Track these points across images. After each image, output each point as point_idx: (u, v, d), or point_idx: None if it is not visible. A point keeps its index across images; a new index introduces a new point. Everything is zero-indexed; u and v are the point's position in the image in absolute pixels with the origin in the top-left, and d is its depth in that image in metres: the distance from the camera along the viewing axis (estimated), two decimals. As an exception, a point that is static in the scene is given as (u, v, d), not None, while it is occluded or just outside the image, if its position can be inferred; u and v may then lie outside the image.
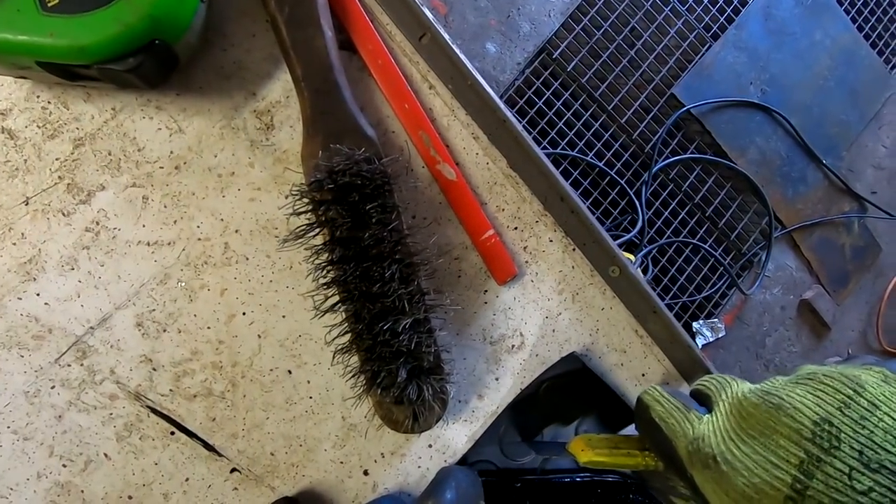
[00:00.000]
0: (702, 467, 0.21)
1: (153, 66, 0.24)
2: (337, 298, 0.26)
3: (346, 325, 0.26)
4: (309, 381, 0.30)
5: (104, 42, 0.22)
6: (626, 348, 0.34)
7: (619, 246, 1.57)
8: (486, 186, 0.32)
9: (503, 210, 0.32)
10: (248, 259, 0.29)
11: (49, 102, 0.27)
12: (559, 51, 1.46)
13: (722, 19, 1.59)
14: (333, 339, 0.26)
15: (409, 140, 0.30)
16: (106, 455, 0.28)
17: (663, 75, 1.52)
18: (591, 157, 1.45)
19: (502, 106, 0.31)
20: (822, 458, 0.18)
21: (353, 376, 0.26)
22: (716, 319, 1.58)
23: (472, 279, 0.32)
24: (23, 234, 0.27)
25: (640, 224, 1.47)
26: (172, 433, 0.29)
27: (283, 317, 0.30)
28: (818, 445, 0.19)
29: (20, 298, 0.27)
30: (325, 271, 0.26)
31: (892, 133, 1.80)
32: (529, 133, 1.37)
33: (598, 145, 1.47)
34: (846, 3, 1.72)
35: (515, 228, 0.32)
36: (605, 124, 1.48)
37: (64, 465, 0.27)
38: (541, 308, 0.33)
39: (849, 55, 1.70)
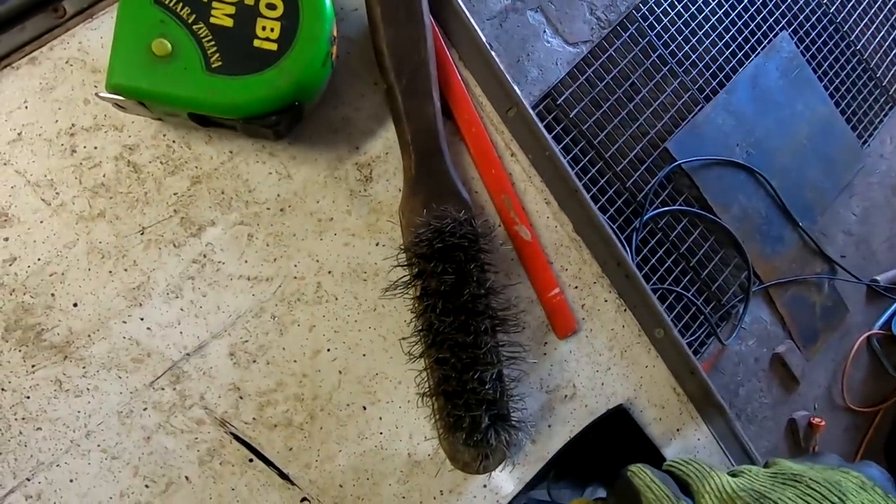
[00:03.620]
0: None
1: (288, 123, 0.27)
2: (429, 345, 0.28)
3: (434, 370, 0.29)
4: (381, 418, 0.32)
5: (256, 102, 0.25)
6: (665, 404, 0.37)
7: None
8: (553, 247, 0.35)
9: (566, 270, 0.35)
10: (337, 299, 0.31)
11: (174, 142, 0.29)
12: (563, 98, 1.53)
13: (714, 83, 1.69)
14: (421, 384, 0.29)
15: (492, 201, 0.33)
16: (187, 478, 0.29)
17: (658, 130, 1.60)
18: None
19: (574, 177, 0.34)
20: None
21: (437, 419, 0.28)
22: (693, 366, 1.63)
23: (534, 331, 0.34)
24: (135, 261, 0.29)
25: (630, 269, 1.50)
26: (251, 460, 0.30)
27: (364, 355, 0.32)
28: None
29: (125, 322, 0.28)
30: (421, 319, 0.28)
31: (861, 203, 1.92)
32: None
33: (594, 190, 1.53)
34: (825, 80, 1.84)
35: (576, 287, 0.35)
36: (602, 171, 1.55)
37: (146, 486, 0.29)
38: (592, 362, 0.36)
39: (826, 127, 1.82)
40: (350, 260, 0.31)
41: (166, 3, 0.24)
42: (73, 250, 0.28)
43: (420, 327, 0.28)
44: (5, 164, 0.28)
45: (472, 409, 0.28)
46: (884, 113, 1.93)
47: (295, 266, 0.31)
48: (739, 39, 1.72)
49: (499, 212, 0.33)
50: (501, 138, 0.34)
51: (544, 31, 1.54)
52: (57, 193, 0.28)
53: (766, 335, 1.76)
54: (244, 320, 0.30)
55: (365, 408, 0.32)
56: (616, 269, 0.36)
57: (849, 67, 1.89)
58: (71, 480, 0.28)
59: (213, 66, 0.24)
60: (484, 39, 0.32)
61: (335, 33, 0.27)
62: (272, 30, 0.25)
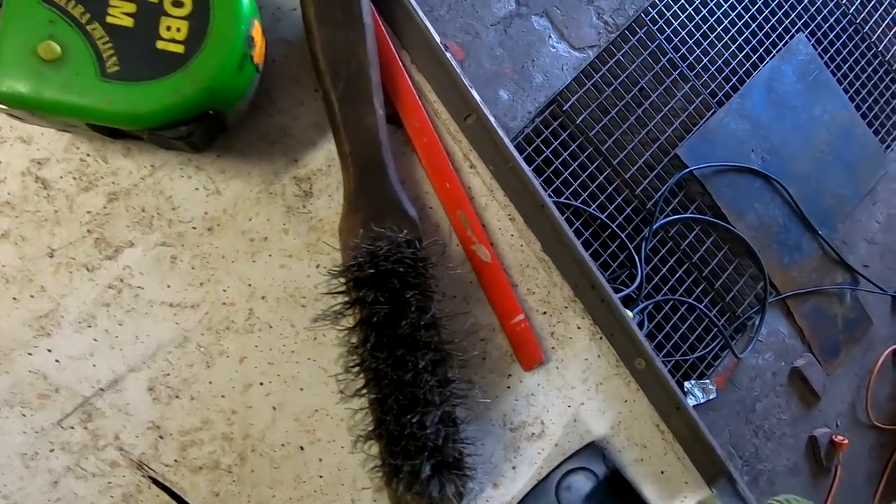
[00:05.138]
0: None
1: (203, 134, 0.24)
2: (364, 383, 0.25)
3: (371, 411, 0.25)
4: (321, 460, 0.29)
5: (159, 111, 0.22)
6: (647, 443, 0.33)
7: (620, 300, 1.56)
8: (518, 268, 0.31)
9: (533, 293, 0.32)
10: (271, 327, 0.28)
11: (88, 155, 0.26)
12: (569, 103, 1.49)
13: (727, 87, 1.64)
14: (357, 425, 0.25)
15: (447, 218, 0.30)
16: (99, 528, 0.26)
17: (668, 136, 1.55)
18: (594, 209, 1.46)
19: (542, 191, 0.31)
20: None
21: (374, 467, 0.25)
22: (707, 381, 1.58)
23: (496, 362, 0.31)
24: (43, 286, 0.26)
25: (638, 279, 1.47)
26: (172, 507, 0.27)
27: (302, 390, 0.28)
28: None
29: (31, 354, 0.26)
30: (355, 354, 0.25)
31: (885, 210, 1.84)
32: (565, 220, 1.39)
33: (602, 198, 1.49)
34: (845, 83, 1.78)
35: (544, 313, 0.32)
36: (610, 178, 1.51)
37: (52, 537, 0.26)
38: (564, 396, 0.32)
39: (846, 132, 1.76)
40: (287, 284, 0.28)
41: (59, 3, 0.21)
42: (-26, 275, 0.25)
43: (354, 363, 0.25)
44: None
45: (411, 457, 0.24)
46: (908, 116, 1.85)
47: (224, 291, 0.28)
48: (754, 42, 1.67)
49: (455, 230, 0.30)
50: (459, 148, 0.31)
51: (550, 37, 1.51)
52: (-41, 212, 0.26)
53: (784, 348, 1.69)
54: (166, 351, 0.27)
55: (303, 448, 0.28)
56: (590, 292, 0.32)
57: (870, 70, 1.82)
58: (-33, 530, 0.25)
59: (110, 70, 0.22)
60: (438, 41, 0.29)
61: (255, 34, 0.24)
62: (179, 30, 0.22)
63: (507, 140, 0.31)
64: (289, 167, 0.29)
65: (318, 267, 0.29)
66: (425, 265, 0.26)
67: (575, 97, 1.48)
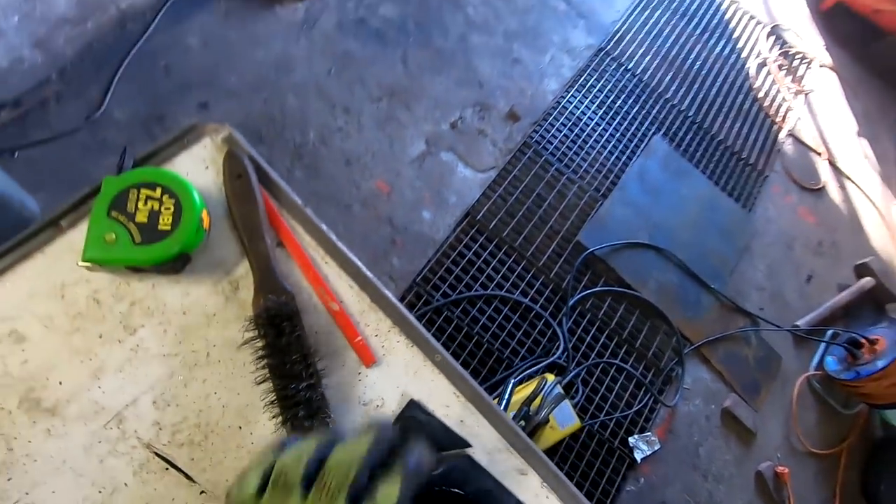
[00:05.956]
0: None
1: (178, 265, 0.50)
2: (266, 374, 0.49)
3: (272, 389, 0.49)
4: (252, 433, 0.51)
5: (160, 257, 0.49)
6: (449, 404, 0.56)
7: (546, 368, 1.78)
8: (359, 313, 0.57)
9: (369, 326, 0.57)
10: (219, 361, 0.52)
11: (120, 283, 0.52)
12: (481, 214, 1.83)
13: (608, 183, 2.03)
14: (264, 398, 0.49)
15: (313, 291, 0.56)
16: (126, 484, 0.47)
17: (568, 227, 1.90)
18: (518, 296, 1.74)
19: (364, 269, 0.58)
20: None
21: (274, 416, 0.48)
22: (649, 433, 1.74)
23: (351, 365, 0.55)
24: (96, 353, 0.50)
25: (562, 347, 1.70)
26: (167, 469, 0.48)
27: (238, 394, 0.52)
28: None
29: (89, 390, 0.49)
30: (260, 360, 0.49)
31: (763, 261, 2.17)
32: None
33: (522, 285, 1.77)
34: (701, 167, 2.20)
35: (376, 336, 0.57)
36: (527, 267, 1.80)
37: (99, 492, 0.47)
38: (394, 382, 0.56)
39: (712, 204, 2.14)
40: (228, 337, 0.53)
41: (114, 216, 0.49)
42: (59, 352, 0.49)
43: (261, 364, 0.49)
44: (30, 305, 0.50)
45: (289, 408, 0.48)
46: (759, 184, 2.27)
47: (192, 344, 0.52)
48: (620, 146, 2.10)
49: (318, 297, 0.56)
50: (318, 254, 0.58)
51: (457, 165, 1.89)
52: (52, 321, 0.50)
53: (709, 392, 1.88)
54: (162, 380, 0.51)
55: (241, 427, 0.51)
56: (402, 321, 0.58)
57: (718, 154, 2.27)
58: (53, 492, 0.46)
59: (136, 241, 0.48)
60: (299, 202, 0.58)
61: (204, 216, 0.52)
62: (168, 219, 0.50)
63: (344, 248, 0.58)
64: (226, 275, 0.55)
65: (244, 324, 0.54)
66: (295, 313, 0.51)
67: (485, 208, 1.83)
